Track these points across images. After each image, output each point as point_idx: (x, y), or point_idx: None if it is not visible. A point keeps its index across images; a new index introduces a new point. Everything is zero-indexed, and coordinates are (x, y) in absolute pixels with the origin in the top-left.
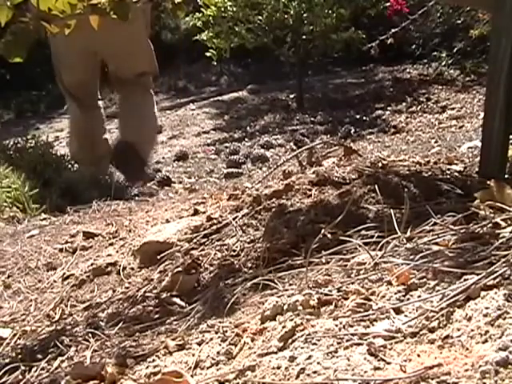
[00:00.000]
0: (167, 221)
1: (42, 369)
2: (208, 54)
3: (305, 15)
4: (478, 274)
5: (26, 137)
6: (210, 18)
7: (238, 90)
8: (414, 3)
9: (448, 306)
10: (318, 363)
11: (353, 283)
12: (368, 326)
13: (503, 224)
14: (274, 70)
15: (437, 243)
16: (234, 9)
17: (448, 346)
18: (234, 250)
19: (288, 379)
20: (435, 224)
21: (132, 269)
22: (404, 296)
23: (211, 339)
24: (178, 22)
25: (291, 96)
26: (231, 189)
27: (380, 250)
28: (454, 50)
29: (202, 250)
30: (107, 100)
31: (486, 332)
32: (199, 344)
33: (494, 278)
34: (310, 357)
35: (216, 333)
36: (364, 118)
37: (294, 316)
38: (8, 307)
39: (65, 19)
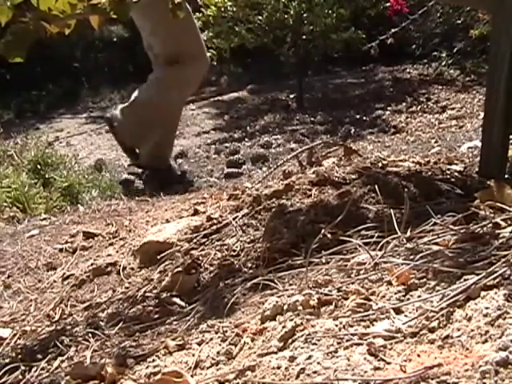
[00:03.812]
0: (167, 221)
1: (42, 369)
2: (208, 54)
3: (305, 15)
4: (477, 274)
5: (26, 137)
6: (210, 18)
7: (238, 90)
8: (413, 3)
9: (448, 306)
10: (318, 363)
11: (353, 283)
12: (368, 326)
13: (503, 224)
14: (274, 70)
15: (437, 243)
16: (234, 9)
17: (448, 346)
18: (234, 250)
19: (288, 379)
20: (435, 224)
21: (132, 269)
22: (404, 296)
23: (211, 339)
24: None
25: (291, 96)
26: (231, 189)
27: (380, 250)
28: (454, 50)
29: (202, 250)
30: (107, 100)
31: (486, 332)
32: (199, 344)
33: (494, 278)
34: (310, 357)
35: (216, 333)
36: (364, 118)
37: (293, 316)
38: (8, 307)
39: (65, 19)
